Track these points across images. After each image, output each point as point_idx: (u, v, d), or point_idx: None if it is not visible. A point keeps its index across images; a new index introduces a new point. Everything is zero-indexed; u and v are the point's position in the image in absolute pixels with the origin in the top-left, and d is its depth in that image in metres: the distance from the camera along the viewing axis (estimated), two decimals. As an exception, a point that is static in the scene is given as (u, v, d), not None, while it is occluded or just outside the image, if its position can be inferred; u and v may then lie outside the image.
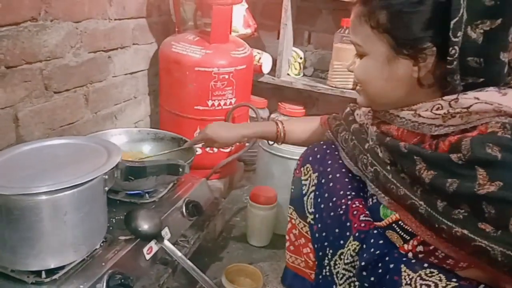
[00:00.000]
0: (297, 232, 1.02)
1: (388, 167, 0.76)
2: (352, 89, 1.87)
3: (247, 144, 1.76)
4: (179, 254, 1.07)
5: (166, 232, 1.11)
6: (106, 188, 0.94)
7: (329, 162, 0.95)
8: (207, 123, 1.64)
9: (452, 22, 0.60)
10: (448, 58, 0.63)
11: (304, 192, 0.99)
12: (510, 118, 0.60)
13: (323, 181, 0.94)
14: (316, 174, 0.97)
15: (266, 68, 2.03)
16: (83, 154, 0.97)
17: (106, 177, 0.92)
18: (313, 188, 0.97)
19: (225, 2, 1.59)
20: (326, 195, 0.92)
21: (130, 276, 0.94)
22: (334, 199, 0.91)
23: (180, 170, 1.09)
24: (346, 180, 0.92)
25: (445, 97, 0.67)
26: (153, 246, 1.07)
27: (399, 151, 0.72)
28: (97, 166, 0.90)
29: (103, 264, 0.94)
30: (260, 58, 1.99)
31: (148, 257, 1.05)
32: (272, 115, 2.10)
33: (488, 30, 0.61)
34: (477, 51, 0.63)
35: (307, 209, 0.97)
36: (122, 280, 0.92)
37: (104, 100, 1.59)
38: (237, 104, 1.68)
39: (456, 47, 0.62)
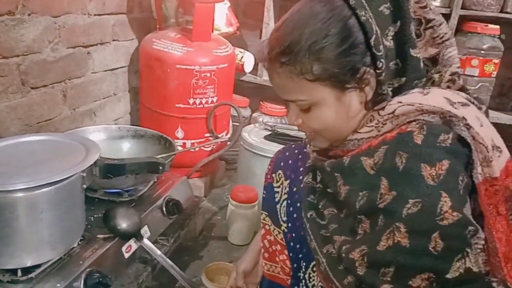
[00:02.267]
0: (272, 239, 0.99)
1: (309, 214, 0.79)
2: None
3: (228, 142, 1.76)
4: (159, 252, 1.06)
5: (145, 231, 1.11)
6: (84, 186, 0.93)
7: (301, 169, 0.91)
8: (189, 122, 1.65)
9: (372, 40, 0.65)
10: (377, 71, 0.67)
11: (277, 199, 0.96)
12: (433, 114, 0.64)
13: (294, 189, 0.92)
14: (288, 181, 0.94)
15: (248, 67, 2.03)
16: (61, 151, 0.95)
17: (84, 174, 0.91)
18: (286, 196, 0.94)
19: (207, 0, 1.59)
20: (298, 204, 0.89)
21: (108, 274, 0.93)
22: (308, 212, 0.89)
23: (160, 168, 1.09)
24: None
25: (375, 108, 0.69)
26: (132, 244, 1.06)
27: (324, 171, 0.75)
28: (75, 163, 0.89)
29: (81, 262, 0.92)
30: (242, 57, 1.99)
31: (127, 255, 1.04)
32: (254, 114, 2.11)
33: (394, 34, 0.67)
34: (393, 55, 0.68)
35: (281, 217, 0.95)
36: (100, 279, 0.90)
37: (83, 97, 1.57)
38: (219, 102, 1.68)
39: (382, 60, 0.66)
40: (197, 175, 1.75)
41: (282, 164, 0.96)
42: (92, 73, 1.59)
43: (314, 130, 0.75)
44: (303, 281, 0.88)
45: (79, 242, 0.97)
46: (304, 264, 0.88)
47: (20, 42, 1.24)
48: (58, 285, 0.86)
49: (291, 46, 0.67)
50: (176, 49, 1.58)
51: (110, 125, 1.55)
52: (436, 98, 0.66)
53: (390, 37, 0.67)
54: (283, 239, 0.95)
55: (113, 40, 1.68)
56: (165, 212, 1.22)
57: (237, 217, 1.51)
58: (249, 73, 2.07)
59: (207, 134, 1.71)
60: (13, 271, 0.85)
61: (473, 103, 0.68)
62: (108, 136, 1.40)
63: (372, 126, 0.69)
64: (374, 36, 0.65)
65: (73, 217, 0.92)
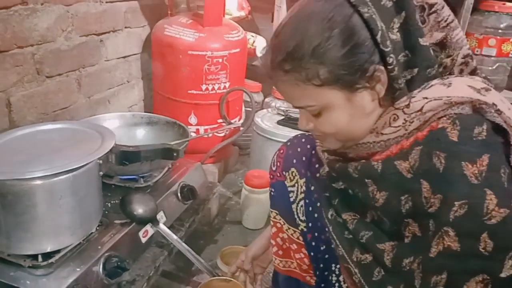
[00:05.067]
0: (286, 237, 0.96)
1: (329, 214, 0.76)
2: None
3: (241, 128, 1.77)
4: (175, 237, 1.08)
5: (161, 216, 1.12)
6: (101, 173, 0.95)
7: (317, 165, 0.87)
8: (201, 108, 1.65)
9: (378, 37, 0.62)
10: (389, 67, 0.63)
11: (292, 199, 0.92)
12: (462, 105, 0.61)
13: (312, 188, 0.88)
14: (304, 180, 0.89)
15: (260, 51, 2.02)
16: (77, 139, 0.97)
17: (101, 161, 0.92)
18: (303, 195, 0.90)
19: (218, -15, 1.57)
20: (318, 204, 0.86)
21: (126, 259, 0.95)
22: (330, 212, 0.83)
23: (174, 154, 1.10)
24: None
25: (396, 105, 0.66)
26: (149, 229, 1.08)
27: (348, 176, 0.72)
28: (92, 151, 0.90)
29: (99, 247, 0.95)
30: (254, 42, 1.98)
31: (143, 240, 1.06)
32: (267, 99, 2.10)
33: (399, 26, 0.64)
34: (401, 47, 0.64)
35: (298, 217, 0.91)
36: (119, 263, 0.93)
37: (97, 85, 1.58)
38: (231, 88, 1.67)
39: (392, 55, 0.63)
40: (211, 161, 1.76)
41: (294, 161, 0.91)
42: (105, 61, 1.60)
43: (328, 134, 0.71)
44: (337, 284, 0.85)
45: (97, 228, 0.99)
46: (337, 267, 0.85)
47: (34, 31, 1.25)
48: (78, 269, 0.88)
49: (293, 52, 0.64)
50: (187, 35, 1.58)
51: (125, 112, 1.56)
52: (461, 87, 0.63)
53: (396, 30, 0.64)
54: (300, 237, 0.92)
55: (125, 27, 1.69)
56: (180, 197, 1.23)
57: (251, 201, 1.53)
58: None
59: (220, 120, 1.72)
60: (34, 257, 0.88)
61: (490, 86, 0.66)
62: (123, 124, 1.42)
63: (399, 126, 0.65)
64: (380, 33, 0.62)
65: (91, 203, 0.94)
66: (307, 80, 0.64)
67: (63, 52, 1.38)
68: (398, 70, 0.64)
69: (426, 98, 0.63)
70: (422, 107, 0.63)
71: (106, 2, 1.54)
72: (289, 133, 1.58)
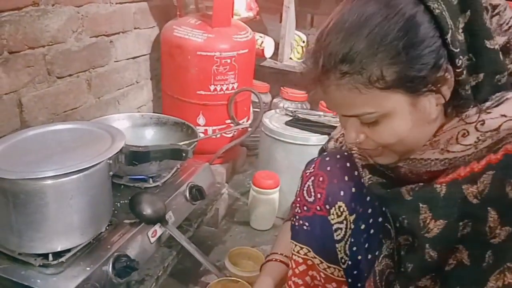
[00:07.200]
0: (322, 276, 0.84)
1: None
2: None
3: (249, 129, 1.77)
4: (183, 237, 1.09)
5: (170, 216, 1.13)
6: (111, 173, 0.95)
7: (368, 199, 0.76)
8: (210, 108, 1.66)
9: (448, 36, 0.56)
10: (457, 70, 0.58)
11: (339, 238, 0.79)
12: None
13: (362, 227, 0.76)
14: (354, 216, 0.77)
15: (269, 52, 2.02)
16: (87, 139, 0.98)
17: (111, 161, 0.93)
18: (350, 232, 0.79)
19: (227, -14, 1.58)
20: (367, 245, 0.76)
21: (135, 258, 0.96)
22: (377, 253, 0.75)
23: (183, 155, 1.10)
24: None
25: (466, 119, 0.60)
26: (158, 229, 1.08)
27: (399, 200, 0.65)
28: (102, 151, 0.91)
29: (109, 247, 0.95)
30: (262, 42, 1.98)
31: (152, 240, 1.07)
32: (275, 100, 2.10)
33: (464, 26, 0.59)
34: (465, 50, 0.59)
35: (346, 253, 0.80)
36: (128, 263, 0.93)
37: (107, 85, 1.59)
38: (240, 89, 1.68)
39: (460, 57, 0.57)
40: (219, 162, 1.77)
41: (342, 193, 0.77)
42: (115, 61, 1.61)
43: (383, 145, 0.64)
44: None
45: (107, 227, 1.00)
46: None
47: (45, 32, 1.26)
48: (88, 268, 0.89)
49: (353, 51, 0.57)
50: (196, 35, 1.58)
51: (134, 113, 1.57)
52: None
53: (461, 30, 0.58)
54: (338, 274, 0.83)
55: (135, 28, 1.70)
56: (188, 198, 1.24)
57: (259, 202, 1.53)
58: (270, 58, 2.05)
59: (228, 121, 1.72)
60: (45, 256, 0.88)
61: None
62: (132, 124, 1.43)
63: (470, 144, 0.59)
64: (450, 32, 0.56)
65: (101, 203, 0.94)
66: (370, 82, 0.57)
67: (74, 53, 1.39)
68: (466, 74, 0.59)
69: (505, 116, 0.57)
70: (500, 126, 0.57)
71: (116, 3, 1.55)
72: (297, 134, 1.57)
